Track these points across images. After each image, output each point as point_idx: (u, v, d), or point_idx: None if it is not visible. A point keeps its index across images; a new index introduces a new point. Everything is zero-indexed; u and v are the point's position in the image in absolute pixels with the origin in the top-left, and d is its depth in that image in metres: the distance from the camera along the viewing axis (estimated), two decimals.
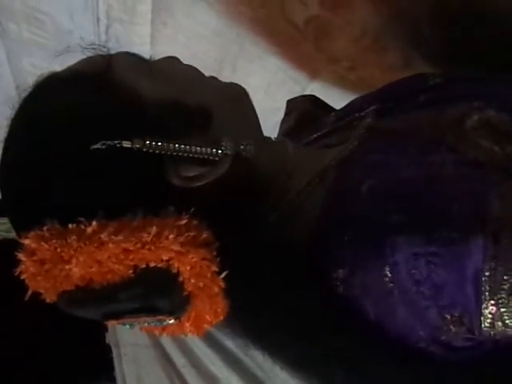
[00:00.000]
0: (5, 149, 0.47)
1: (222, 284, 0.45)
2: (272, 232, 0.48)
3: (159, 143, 0.44)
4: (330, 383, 0.46)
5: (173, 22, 0.83)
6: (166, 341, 0.81)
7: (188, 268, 0.44)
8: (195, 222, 0.44)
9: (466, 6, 0.65)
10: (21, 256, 0.43)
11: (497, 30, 0.63)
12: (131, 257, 0.42)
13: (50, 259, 0.42)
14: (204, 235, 0.44)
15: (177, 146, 0.44)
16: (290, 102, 0.68)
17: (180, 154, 0.44)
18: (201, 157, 0.45)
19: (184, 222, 0.43)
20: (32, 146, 0.45)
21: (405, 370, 0.44)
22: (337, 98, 0.75)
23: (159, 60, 0.52)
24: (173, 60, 0.52)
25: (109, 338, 0.91)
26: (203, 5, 0.82)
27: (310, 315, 0.45)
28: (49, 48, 0.78)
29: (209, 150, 0.46)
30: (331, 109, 0.68)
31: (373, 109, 0.55)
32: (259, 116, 0.54)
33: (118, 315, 0.44)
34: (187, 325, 0.48)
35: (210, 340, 0.74)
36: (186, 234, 0.43)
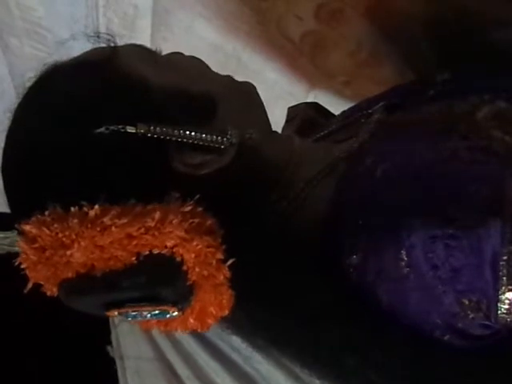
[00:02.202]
0: (8, 135, 0.46)
1: (228, 273, 0.44)
2: (279, 221, 0.47)
3: (164, 128, 0.43)
4: (341, 374, 0.45)
5: (172, 37, 0.84)
6: (171, 353, 0.79)
7: (192, 256, 0.43)
8: (200, 209, 0.43)
9: (463, 18, 0.66)
10: (21, 244, 0.42)
11: (495, 40, 0.63)
12: (134, 243, 0.41)
13: (50, 245, 0.41)
14: (209, 222, 0.44)
15: (181, 132, 0.44)
16: (291, 109, 0.68)
17: (185, 140, 0.44)
18: (206, 144, 0.45)
19: (188, 208, 0.43)
20: (35, 132, 0.45)
21: (419, 359, 0.42)
22: (334, 113, 0.76)
23: (165, 54, 0.53)
24: (178, 53, 0.53)
25: (112, 351, 0.89)
26: (202, 20, 0.83)
27: (320, 304, 0.44)
28: (50, 62, 0.79)
29: (214, 137, 0.45)
30: (334, 116, 0.69)
31: (381, 105, 0.55)
32: None
33: (119, 304, 0.42)
34: (191, 319, 0.47)
35: (215, 352, 0.72)
36: (191, 221, 0.43)
